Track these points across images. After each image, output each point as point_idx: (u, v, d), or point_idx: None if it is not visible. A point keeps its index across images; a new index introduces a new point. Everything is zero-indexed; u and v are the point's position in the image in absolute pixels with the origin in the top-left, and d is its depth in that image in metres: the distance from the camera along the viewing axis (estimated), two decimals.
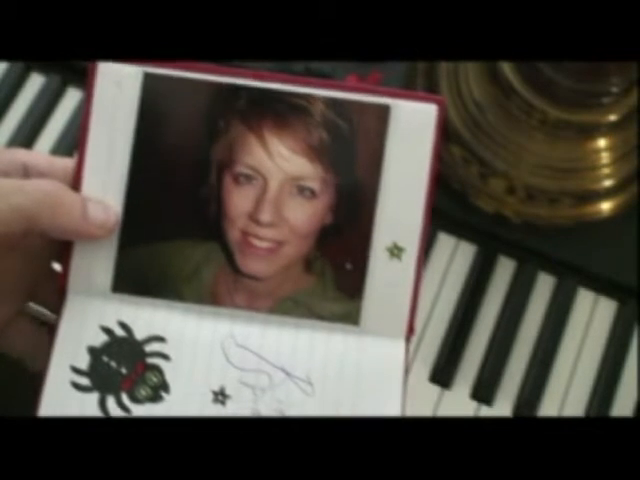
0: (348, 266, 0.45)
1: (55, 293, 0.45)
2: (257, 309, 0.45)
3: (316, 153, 0.45)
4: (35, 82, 0.70)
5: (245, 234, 0.45)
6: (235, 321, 0.45)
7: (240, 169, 0.45)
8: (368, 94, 0.44)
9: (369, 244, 0.45)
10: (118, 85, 0.44)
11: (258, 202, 0.45)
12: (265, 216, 0.45)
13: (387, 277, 0.45)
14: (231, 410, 0.43)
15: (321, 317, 0.45)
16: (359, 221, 0.45)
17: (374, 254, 0.45)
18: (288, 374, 0.44)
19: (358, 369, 0.44)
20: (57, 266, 0.46)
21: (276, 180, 0.45)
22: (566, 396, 0.64)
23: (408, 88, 0.68)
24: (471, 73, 0.64)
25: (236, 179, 0.45)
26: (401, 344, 0.45)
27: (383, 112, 0.44)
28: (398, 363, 0.45)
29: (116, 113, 0.44)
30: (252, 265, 0.45)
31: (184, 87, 0.44)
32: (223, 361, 0.44)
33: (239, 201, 0.45)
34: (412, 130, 0.45)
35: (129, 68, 0.44)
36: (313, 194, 0.45)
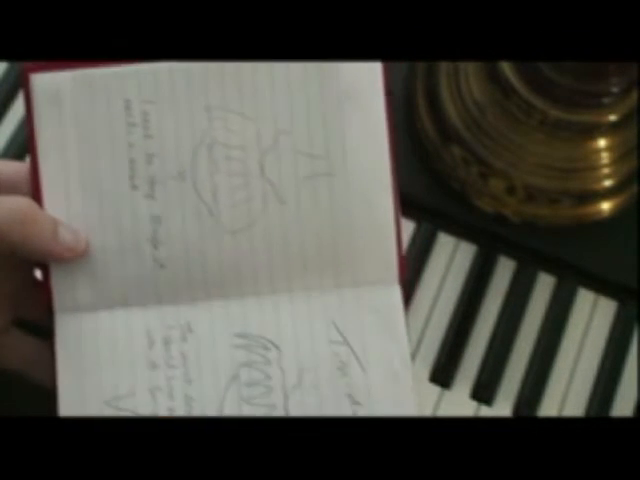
0: None
1: (39, 304, 0.45)
2: None
3: None
4: None
5: None
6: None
7: None
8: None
9: None
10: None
11: None
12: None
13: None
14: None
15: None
16: None
17: None
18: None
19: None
20: (39, 274, 0.45)
21: None
22: (566, 396, 0.64)
23: (408, 88, 0.68)
24: (471, 73, 0.64)
25: None
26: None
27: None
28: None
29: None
30: None
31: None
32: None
33: None
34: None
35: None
36: None
